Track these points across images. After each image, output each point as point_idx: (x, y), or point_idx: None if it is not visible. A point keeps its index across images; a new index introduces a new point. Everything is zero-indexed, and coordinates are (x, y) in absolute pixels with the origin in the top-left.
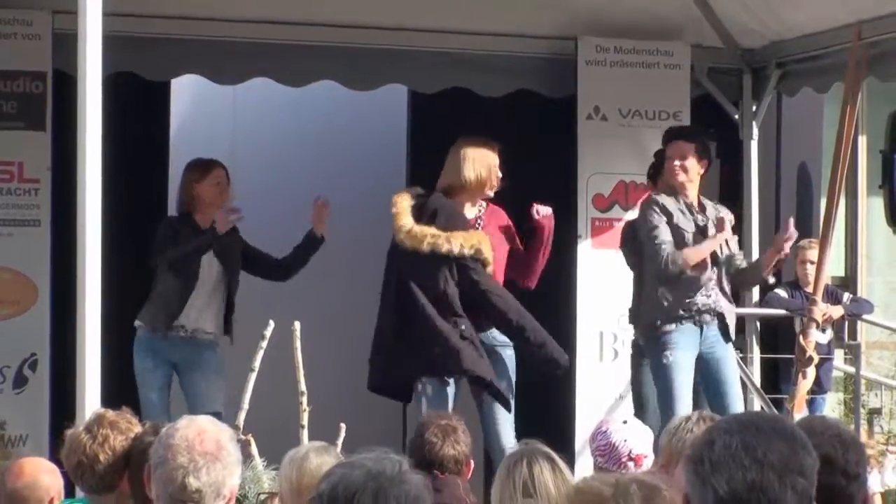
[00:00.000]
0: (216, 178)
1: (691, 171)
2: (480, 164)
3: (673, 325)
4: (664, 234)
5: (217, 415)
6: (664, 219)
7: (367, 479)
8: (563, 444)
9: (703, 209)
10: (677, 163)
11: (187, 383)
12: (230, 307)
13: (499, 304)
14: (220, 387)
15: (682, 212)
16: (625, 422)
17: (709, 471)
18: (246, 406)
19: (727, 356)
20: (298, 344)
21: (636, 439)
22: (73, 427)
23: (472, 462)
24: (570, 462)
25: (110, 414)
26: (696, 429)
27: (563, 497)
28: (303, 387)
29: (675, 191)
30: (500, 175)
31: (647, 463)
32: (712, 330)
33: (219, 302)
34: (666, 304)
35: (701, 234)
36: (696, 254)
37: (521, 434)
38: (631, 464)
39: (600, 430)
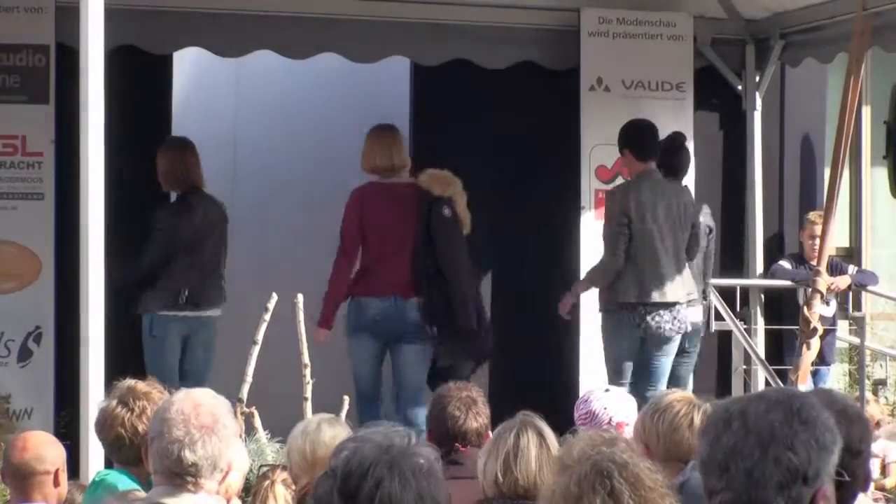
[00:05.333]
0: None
1: None
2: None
3: None
4: None
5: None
6: None
7: (379, 453)
8: (566, 417)
9: None
10: None
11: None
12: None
13: None
14: None
15: None
16: (607, 390)
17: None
18: (249, 379)
19: None
20: (302, 317)
21: (617, 407)
22: (105, 401)
23: (490, 434)
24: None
25: (141, 385)
26: (683, 409)
27: (543, 473)
28: (306, 359)
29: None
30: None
31: (628, 431)
32: None
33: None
34: None
35: None
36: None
37: (526, 405)
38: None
39: (583, 399)
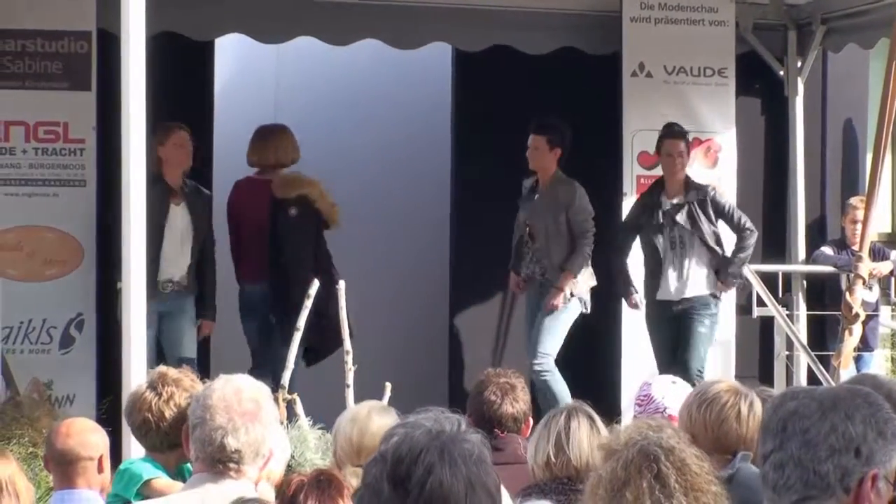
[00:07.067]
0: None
1: None
2: None
3: None
4: None
5: (190, 360)
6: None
7: (430, 439)
8: (608, 406)
9: None
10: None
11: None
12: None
13: None
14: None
15: None
16: (674, 382)
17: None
18: (292, 365)
19: None
20: (343, 303)
21: (674, 400)
22: (137, 386)
23: (531, 420)
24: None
25: (173, 372)
26: (731, 400)
27: (594, 456)
28: (348, 346)
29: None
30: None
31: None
32: None
33: (188, 253)
34: None
35: None
36: None
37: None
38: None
39: (647, 382)
